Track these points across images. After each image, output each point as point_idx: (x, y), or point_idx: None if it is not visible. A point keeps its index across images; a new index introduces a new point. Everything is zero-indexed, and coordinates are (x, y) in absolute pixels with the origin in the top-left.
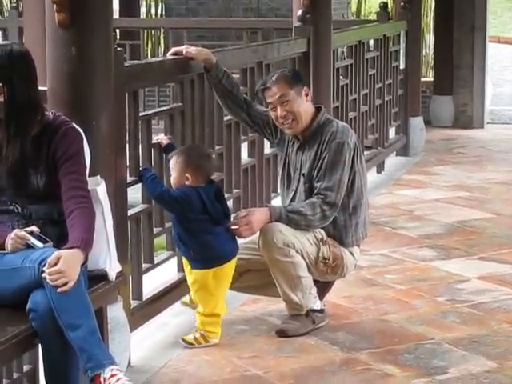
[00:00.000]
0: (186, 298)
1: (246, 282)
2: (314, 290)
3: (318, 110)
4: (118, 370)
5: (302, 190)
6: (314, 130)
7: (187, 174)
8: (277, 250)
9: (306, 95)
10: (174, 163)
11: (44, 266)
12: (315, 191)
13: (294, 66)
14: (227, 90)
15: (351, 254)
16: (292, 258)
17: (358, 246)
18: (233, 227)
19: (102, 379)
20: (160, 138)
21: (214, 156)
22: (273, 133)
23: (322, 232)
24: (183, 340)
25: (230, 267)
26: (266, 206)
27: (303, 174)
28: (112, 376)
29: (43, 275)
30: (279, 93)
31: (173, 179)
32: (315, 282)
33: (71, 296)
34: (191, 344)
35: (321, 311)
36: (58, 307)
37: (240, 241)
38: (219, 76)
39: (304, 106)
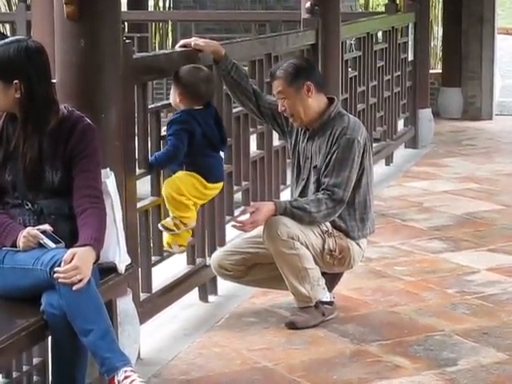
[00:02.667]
0: (168, 222)
1: (254, 276)
2: (322, 282)
3: (331, 101)
4: (131, 371)
5: (312, 181)
6: (325, 122)
7: (178, 93)
8: (281, 243)
9: (308, 91)
10: (173, 79)
11: (55, 268)
12: (322, 187)
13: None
14: (236, 81)
15: (358, 245)
16: (297, 250)
17: (365, 236)
18: (237, 225)
19: (116, 382)
20: None
21: (211, 79)
22: (283, 122)
23: (328, 224)
24: (162, 226)
25: (216, 188)
26: (272, 201)
27: (314, 167)
28: (125, 378)
29: (55, 276)
30: (278, 88)
31: (170, 96)
32: (323, 274)
33: (82, 300)
34: (171, 230)
35: (330, 303)
36: (70, 313)
37: (246, 234)
38: (228, 68)
39: (304, 102)
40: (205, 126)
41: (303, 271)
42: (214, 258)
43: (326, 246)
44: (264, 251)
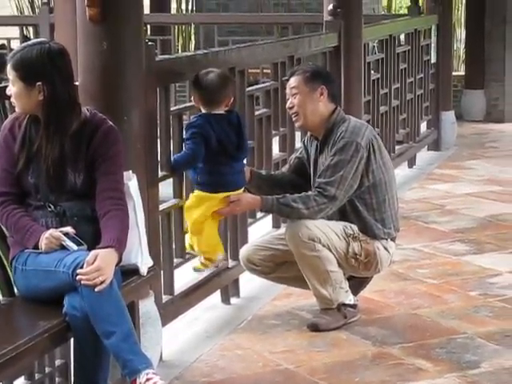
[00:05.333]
0: (197, 264)
1: (282, 274)
2: (346, 285)
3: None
4: (153, 373)
5: None
6: (329, 130)
7: (194, 101)
8: (302, 244)
9: (321, 95)
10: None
11: (77, 270)
12: (315, 185)
13: (325, 61)
14: (274, 185)
15: (385, 249)
16: (318, 252)
17: (393, 240)
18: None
19: None
20: None
21: (223, 84)
22: (304, 151)
23: (354, 228)
24: (194, 269)
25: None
26: (260, 196)
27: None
28: (147, 380)
29: (78, 277)
30: (293, 84)
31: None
32: (352, 278)
33: (105, 302)
34: (200, 270)
35: (353, 306)
36: (93, 315)
37: (276, 232)
38: (259, 184)
39: (314, 105)
40: (219, 132)
41: (325, 273)
42: (244, 252)
43: (350, 250)
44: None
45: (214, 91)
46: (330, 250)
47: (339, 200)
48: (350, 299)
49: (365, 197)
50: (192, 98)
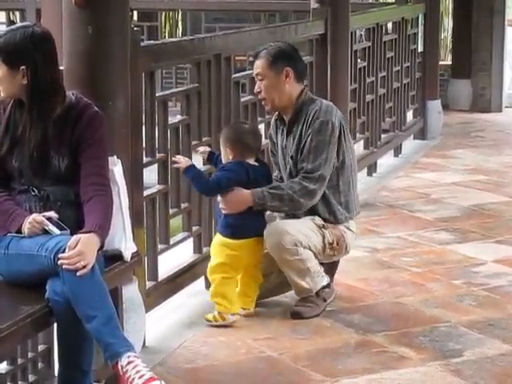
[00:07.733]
0: (209, 315)
1: (265, 285)
2: (322, 270)
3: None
4: (134, 356)
5: (295, 173)
6: (298, 110)
7: (228, 149)
8: (286, 251)
9: (287, 76)
10: (220, 140)
11: (59, 254)
12: (301, 172)
13: (311, 49)
14: None
15: (348, 229)
16: (300, 255)
17: (352, 219)
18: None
19: (119, 367)
20: (201, 150)
21: (257, 131)
22: (272, 147)
23: (319, 218)
24: (205, 319)
25: (258, 241)
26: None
27: (291, 156)
28: (129, 363)
29: (59, 262)
30: (258, 69)
31: (222, 156)
32: (321, 264)
33: (86, 286)
34: (209, 321)
35: (327, 286)
36: (74, 299)
37: None
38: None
39: (281, 87)
40: (253, 181)
41: (305, 270)
42: None
43: (325, 241)
44: (264, 265)
45: (249, 139)
46: (310, 248)
47: (325, 178)
48: (325, 280)
49: (332, 178)
50: (222, 155)
